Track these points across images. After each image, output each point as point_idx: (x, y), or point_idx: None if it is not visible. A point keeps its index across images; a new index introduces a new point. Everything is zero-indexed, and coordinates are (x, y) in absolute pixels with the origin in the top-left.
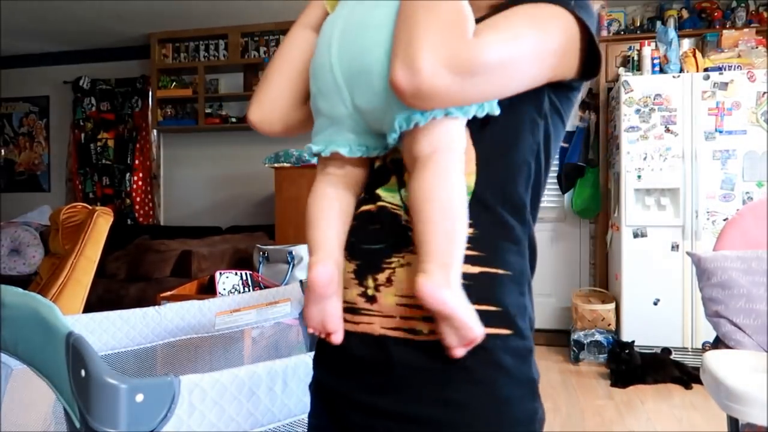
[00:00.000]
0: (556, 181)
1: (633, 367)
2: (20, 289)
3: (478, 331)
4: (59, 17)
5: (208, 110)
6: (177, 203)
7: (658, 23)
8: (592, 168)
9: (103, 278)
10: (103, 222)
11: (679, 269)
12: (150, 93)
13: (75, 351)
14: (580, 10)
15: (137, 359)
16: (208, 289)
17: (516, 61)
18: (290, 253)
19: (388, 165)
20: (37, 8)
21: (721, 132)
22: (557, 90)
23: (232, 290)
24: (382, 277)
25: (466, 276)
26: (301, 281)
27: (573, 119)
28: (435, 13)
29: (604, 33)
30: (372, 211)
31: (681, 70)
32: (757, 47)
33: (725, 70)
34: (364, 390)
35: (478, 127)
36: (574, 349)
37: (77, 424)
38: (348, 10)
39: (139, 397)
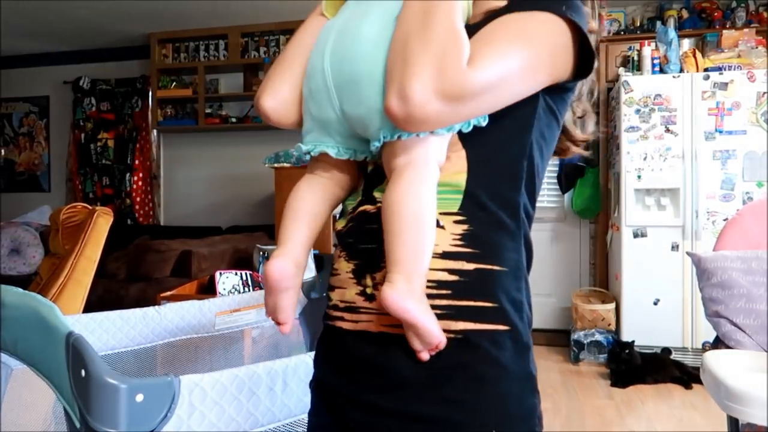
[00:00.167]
0: (556, 181)
1: (633, 367)
2: (20, 289)
3: (439, 337)
4: (59, 17)
5: (208, 110)
6: (177, 203)
7: (658, 23)
8: (592, 168)
9: (103, 278)
10: (103, 222)
11: (679, 269)
12: (150, 93)
13: (75, 351)
14: (570, 11)
15: (137, 359)
16: (208, 289)
17: (507, 82)
18: None
19: (382, 167)
20: (37, 8)
21: (721, 132)
22: (551, 92)
23: (232, 290)
24: (380, 275)
25: (461, 273)
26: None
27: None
28: (429, 40)
29: (604, 33)
30: (370, 211)
31: (681, 70)
32: (757, 47)
33: (725, 70)
34: (364, 388)
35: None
36: (574, 349)
37: (77, 424)
38: (345, 16)
39: (139, 397)
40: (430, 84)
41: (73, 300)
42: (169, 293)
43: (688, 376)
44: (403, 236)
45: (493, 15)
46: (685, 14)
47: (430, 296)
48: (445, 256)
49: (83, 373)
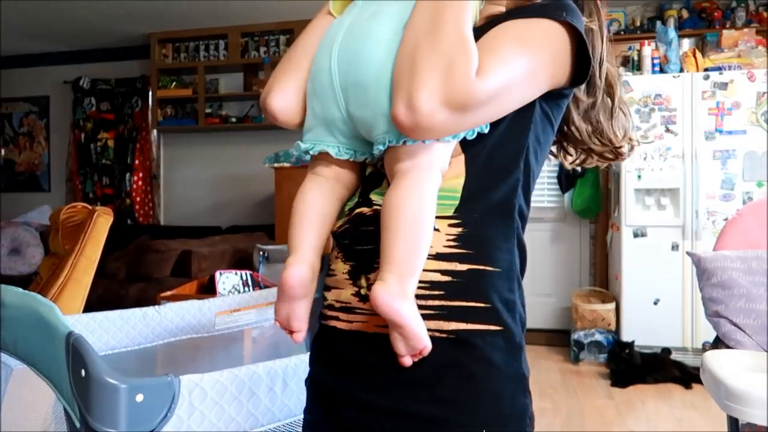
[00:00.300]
0: (556, 181)
1: (633, 367)
2: (20, 289)
3: (425, 342)
4: (59, 17)
5: (208, 110)
6: (177, 203)
7: (658, 23)
8: (592, 168)
9: (103, 278)
10: (103, 222)
11: (679, 269)
12: (150, 93)
13: (75, 351)
14: (569, 16)
15: (137, 359)
16: (208, 289)
17: (512, 91)
18: None
19: (380, 170)
20: (37, 8)
21: (721, 132)
22: (548, 98)
23: (232, 290)
24: (374, 276)
25: (454, 274)
26: None
27: None
28: (438, 49)
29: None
30: (366, 213)
31: (681, 70)
32: (757, 47)
33: (725, 70)
34: (358, 386)
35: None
36: (574, 349)
37: (77, 424)
38: (354, 15)
39: (139, 397)
40: (437, 93)
41: (73, 300)
42: (169, 293)
43: (688, 376)
44: (400, 237)
45: (494, 21)
46: (685, 14)
47: (422, 297)
48: (439, 257)
49: (83, 373)
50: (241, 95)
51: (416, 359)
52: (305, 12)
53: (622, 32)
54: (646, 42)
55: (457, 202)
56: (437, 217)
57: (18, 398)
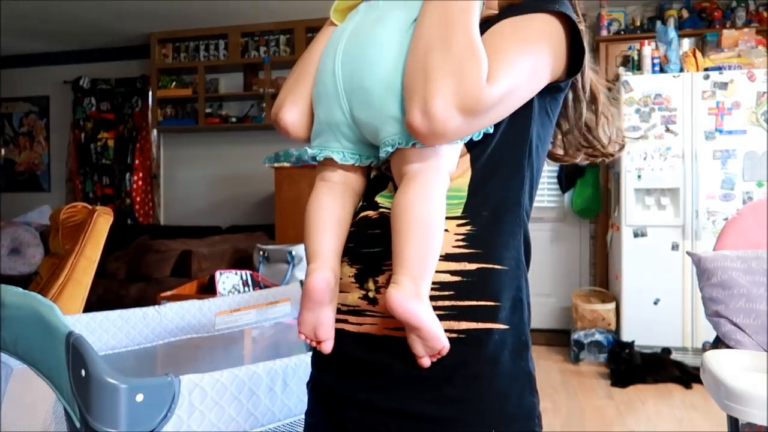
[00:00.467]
0: (556, 181)
1: (633, 367)
2: (20, 289)
3: (444, 342)
4: (59, 17)
5: (208, 110)
6: (177, 203)
7: (658, 23)
8: (592, 168)
9: (103, 278)
10: (103, 222)
11: (679, 269)
12: (150, 93)
13: (75, 351)
14: (561, 7)
15: (137, 359)
16: (208, 289)
17: (517, 90)
18: (290, 253)
19: (385, 173)
20: (37, 8)
21: (721, 132)
22: (545, 93)
23: (232, 290)
24: (382, 279)
25: (464, 273)
26: (301, 281)
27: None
28: (450, 56)
29: (604, 33)
30: (372, 217)
31: (681, 70)
32: (757, 47)
33: (725, 69)
34: (363, 387)
35: None
36: (574, 349)
37: (77, 424)
38: (357, 20)
39: (139, 397)
40: (451, 100)
41: (73, 300)
42: (169, 293)
43: (688, 376)
44: (412, 238)
45: (489, 21)
46: (685, 14)
47: (433, 298)
48: (448, 258)
49: (83, 372)
50: (241, 95)
51: (434, 359)
52: (305, 12)
53: (622, 32)
54: (646, 42)
55: (464, 202)
56: (446, 218)
57: (18, 398)
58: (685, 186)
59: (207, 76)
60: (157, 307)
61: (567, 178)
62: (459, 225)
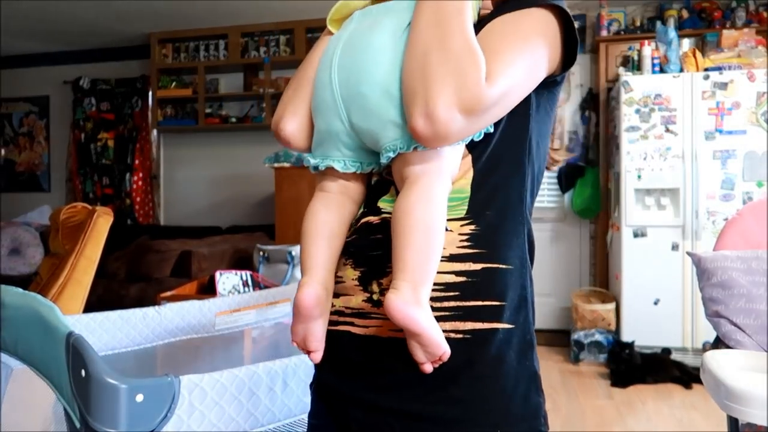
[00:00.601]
0: (556, 181)
1: (633, 367)
2: (20, 289)
3: (444, 348)
4: (59, 17)
5: (208, 110)
6: (177, 203)
7: (658, 23)
8: (592, 168)
9: (103, 278)
10: (103, 222)
11: (679, 269)
12: (150, 93)
13: (75, 351)
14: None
15: (137, 359)
16: (208, 289)
17: (516, 88)
18: (290, 253)
19: (386, 177)
20: (37, 8)
21: (721, 132)
22: (541, 88)
23: (232, 290)
24: (386, 281)
25: (468, 274)
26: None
27: (573, 119)
28: (448, 58)
29: (604, 33)
30: (374, 222)
31: (681, 70)
32: (757, 47)
33: (725, 70)
34: (367, 388)
35: None
36: (574, 349)
37: (77, 424)
38: (352, 28)
39: (139, 397)
40: (453, 102)
41: (73, 300)
42: (169, 293)
43: (688, 376)
44: (412, 243)
45: (483, 20)
46: (685, 14)
47: (438, 299)
48: (453, 258)
49: (83, 373)
50: (241, 95)
51: (436, 365)
52: (305, 12)
53: (622, 32)
54: (646, 42)
55: (467, 202)
56: (450, 219)
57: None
58: (685, 186)
59: (207, 76)
60: (157, 307)
61: (567, 178)
62: (463, 225)
